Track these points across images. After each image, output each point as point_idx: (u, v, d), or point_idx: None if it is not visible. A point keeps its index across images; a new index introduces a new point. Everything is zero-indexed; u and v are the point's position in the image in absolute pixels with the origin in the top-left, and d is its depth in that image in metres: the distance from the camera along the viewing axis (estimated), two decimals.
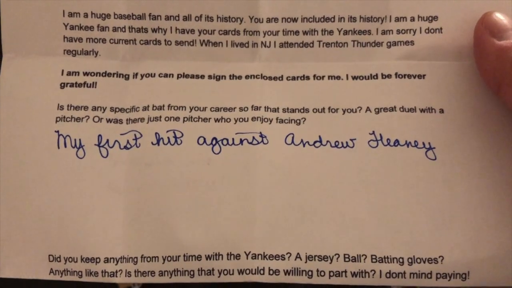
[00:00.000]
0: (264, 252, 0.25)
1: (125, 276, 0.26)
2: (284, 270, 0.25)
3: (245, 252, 0.25)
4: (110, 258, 0.26)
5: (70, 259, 0.26)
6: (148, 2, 0.27)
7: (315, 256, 0.25)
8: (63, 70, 0.27)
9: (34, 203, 0.26)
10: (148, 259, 0.26)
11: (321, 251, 0.25)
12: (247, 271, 0.25)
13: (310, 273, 0.25)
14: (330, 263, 0.25)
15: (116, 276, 0.26)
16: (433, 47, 0.27)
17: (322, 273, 0.25)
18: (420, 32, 0.27)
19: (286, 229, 0.26)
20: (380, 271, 0.25)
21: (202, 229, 0.26)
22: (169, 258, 0.26)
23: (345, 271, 0.25)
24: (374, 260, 0.25)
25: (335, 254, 0.25)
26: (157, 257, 0.26)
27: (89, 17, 0.27)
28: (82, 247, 0.26)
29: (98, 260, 0.26)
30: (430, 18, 0.27)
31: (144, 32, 0.27)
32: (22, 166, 0.26)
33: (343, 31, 0.27)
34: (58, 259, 0.26)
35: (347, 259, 0.25)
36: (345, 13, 0.27)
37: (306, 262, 0.25)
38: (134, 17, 0.27)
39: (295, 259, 0.25)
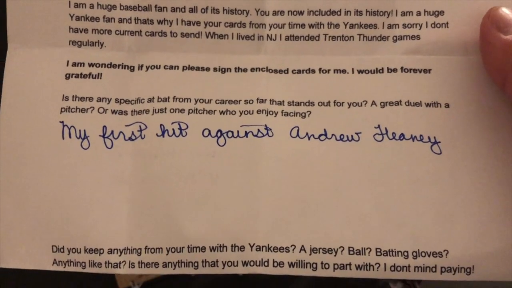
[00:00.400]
0: (268, 244, 0.25)
1: (129, 267, 0.26)
2: (288, 262, 0.25)
3: (249, 244, 0.25)
4: (114, 249, 0.26)
5: (74, 250, 0.26)
6: None
7: (319, 248, 0.25)
8: (68, 61, 0.27)
9: (37, 194, 0.26)
10: (152, 250, 0.26)
11: (326, 243, 0.25)
12: (251, 263, 0.25)
13: (314, 265, 0.25)
14: (335, 255, 0.25)
15: (120, 267, 0.26)
16: (439, 41, 0.27)
17: (327, 266, 0.25)
18: (426, 27, 0.27)
19: (290, 221, 0.26)
20: (385, 264, 0.25)
21: (207, 221, 0.26)
22: (173, 250, 0.26)
23: (350, 264, 0.25)
24: (378, 253, 0.25)
25: (340, 247, 0.25)
26: (161, 248, 0.26)
27: (95, 8, 0.27)
28: (86, 238, 0.26)
29: (101, 251, 0.26)
30: (436, 13, 0.27)
31: (150, 24, 0.27)
32: (26, 156, 0.26)
33: (349, 24, 0.27)
34: (62, 250, 0.26)
35: (351, 252, 0.25)
36: (351, 7, 0.27)
37: (310, 254, 0.25)
38: (140, 8, 0.27)
39: (300, 252, 0.25)
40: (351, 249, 0.25)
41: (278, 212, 0.26)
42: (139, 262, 0.26)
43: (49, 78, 0.27)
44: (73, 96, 0.27)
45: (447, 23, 0.27)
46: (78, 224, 0.26)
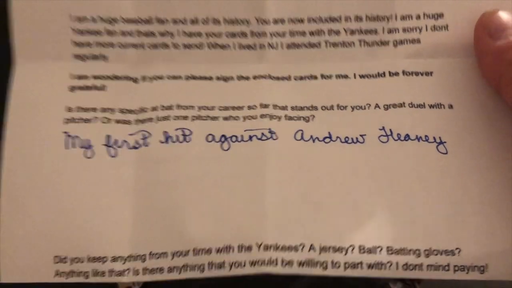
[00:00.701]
0: (276, 243, 0.25)
1: (133, 274, 0.25)
2: (297, 262, 0.24)
3: (256, 244, 0.25)
4: (118, 257, 0.25)
5: (77, 260, 0.25)
6: (155, 4, 0.27)
7: (329, 247, 0.24)
8: (72, 74, 0.27)
9: (40, 204, 0.26)
10: (157, 255, 0.25)
11: (336, 242, 0.25)
12: (259, 263, 0.24)
13: (324, 264, 0.24)
14: (345, 254, 0.24)
15: (124, 275, 0.25)
16: (439, 44, 0.27)
17: (337, 265, 0.24)
18: (426, 30, 0.27)
19: (298, 220, 0.25)
20: (397, 263, 0.24)
21: (212, 222, 0.25)
22: (178, 254, 0.25)
23: (361, 263, 0.24)
24: (390, 252, 0.24)
25: (350, 246, 0.24)
26: (166, 253, 0.25)
27: (96, 21, 0.27)
28: (89, 246, 0.25)
29: (105, 259, 0.25)
30: (436, 16, 0.27)
31: (152, 36, 0.27)
32: (30, 167, 0.26)
33: (349, 30, 0.27)
34: (64, 260, 0.25)
35: (362, 251, 0.24)
36: (351, 13, 0.27)
37: (320, 253, 0.24)
38: (141, 21, 0.27)
39: (309, 251, 0.24)
40: (361, 247, 0.24)
41: (285, 212, 0.25)
42: (143, 269, 0.25)
43: (54, 90, 0.27)
44: (77, 107, 0.27)
45: (447, 25, 0.27)
46: (81, 233, 0.25)
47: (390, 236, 0.25)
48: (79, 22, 0.27)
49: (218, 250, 0.25)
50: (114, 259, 0.25)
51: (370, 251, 0.24)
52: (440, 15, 0.27)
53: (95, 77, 0.27)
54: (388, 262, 0.24)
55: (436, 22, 0.27)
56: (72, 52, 0.27)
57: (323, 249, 0.24)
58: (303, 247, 0.24)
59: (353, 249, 0.24)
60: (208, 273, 0.24)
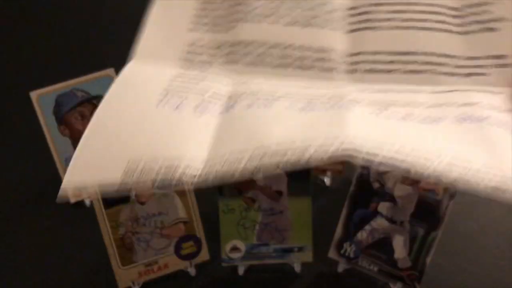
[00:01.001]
0: (362, 142, 0.23)
1: (203, 179, 0.24)
2: (383, 154, 0.22)
3: (341, 140, 0.23)
4: (194, 159, 0.25)
5: (149, 161, 0.24)
6: (259, 30, 0.33)
7: (419, 154, 0.23)
8: (178, 71, 0.32)
9: (125, 122, 0.27)
10: (235, 154, 0.24)
11: (425, 153, 0.23)
12: (342, 152, 0.22)
13: (412, 163, 0.22)
14: (434, 163, 0.23)
15: (194, 180, 0.24)
16: (505, 76, 0.30)
17: (425, 167, 0.22)
18: (492, 68, 0.30)
19: (382, 135, 0.24)
20: (487, 183, 0.22)
21: (296, 131, 0.25)
22: (256, 154, 0.24)
23: (449, 173, 0.22)
24: (479, 173, 0.23)
25: (439, 158, 0.23)
26: (246, 149, 0.24)
27: (204, 47, 0.33)
28: (166, 149, 0.25)
29: (180, 160, 0.24)
30: (500, 56, 0.30)
31: (250, 56, 0.32)
32: (124, 106, 0.28)
33: (421, 62, 0.31)
34: (137, 162, 0.24)
35: (451, 165, 0.23)
36: (422, 49, 0.31)
37: (408, 154, 0.23)
38: (243, 43, 0.32)
39: (396, 151, 0.23)
40: (451, 163, 0.23)
41: (369, 131, 0.25)
42: (217, 171, 0.24)
43: (159, 76, 0.31)
44: (175, 87, 0.30)
45: (511, 63, 0.30)
46: (160, 139, 0.26)
47: (478, 164, 0.23)
48: (191, 46, 0.33)
49: (295, 151, 0.24)
50: (190, 160, 0.25)
51: (460, 167, 0.23)
52: (504, 56, 0.30)
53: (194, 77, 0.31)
54: (477, 180, 0.22)
55: (500, 61, 0.30)
56: (182, 57, 0.33)
57: (413, 151, 0.23)
58: (390, 147, 0.23)
59: (442, 161, 0.23)
60: (284, 167, 0.23)
